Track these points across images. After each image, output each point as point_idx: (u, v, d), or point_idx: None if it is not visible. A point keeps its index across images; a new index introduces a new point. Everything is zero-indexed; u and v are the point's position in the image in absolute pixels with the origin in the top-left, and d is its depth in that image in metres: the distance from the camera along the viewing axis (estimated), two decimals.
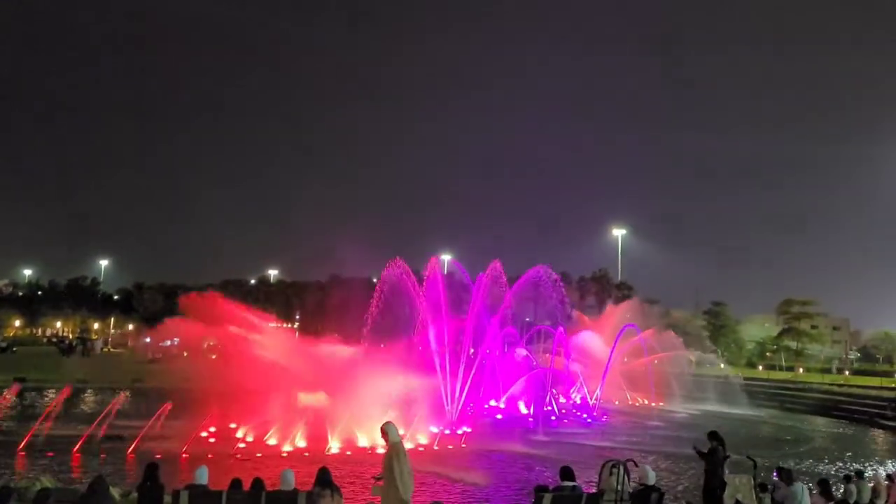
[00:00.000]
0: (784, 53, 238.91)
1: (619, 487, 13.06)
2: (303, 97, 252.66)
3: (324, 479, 13.30)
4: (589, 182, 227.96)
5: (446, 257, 74.99)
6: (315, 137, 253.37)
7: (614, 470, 13.41)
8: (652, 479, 13.97)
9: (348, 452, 27.96)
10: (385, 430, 12.93)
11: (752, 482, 14.71)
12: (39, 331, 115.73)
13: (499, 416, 41.40)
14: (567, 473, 13.45)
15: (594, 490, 13.73)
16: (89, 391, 41.33)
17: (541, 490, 13.38)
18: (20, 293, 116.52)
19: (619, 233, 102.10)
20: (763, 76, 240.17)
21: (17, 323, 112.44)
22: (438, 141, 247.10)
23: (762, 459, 21.26)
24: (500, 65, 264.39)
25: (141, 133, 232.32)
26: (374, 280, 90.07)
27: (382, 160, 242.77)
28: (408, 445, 29.33)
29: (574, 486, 13.46)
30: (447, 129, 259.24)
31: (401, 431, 14.19)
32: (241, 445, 27.32)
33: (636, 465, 14.23)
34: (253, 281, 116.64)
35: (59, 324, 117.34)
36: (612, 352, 50.02)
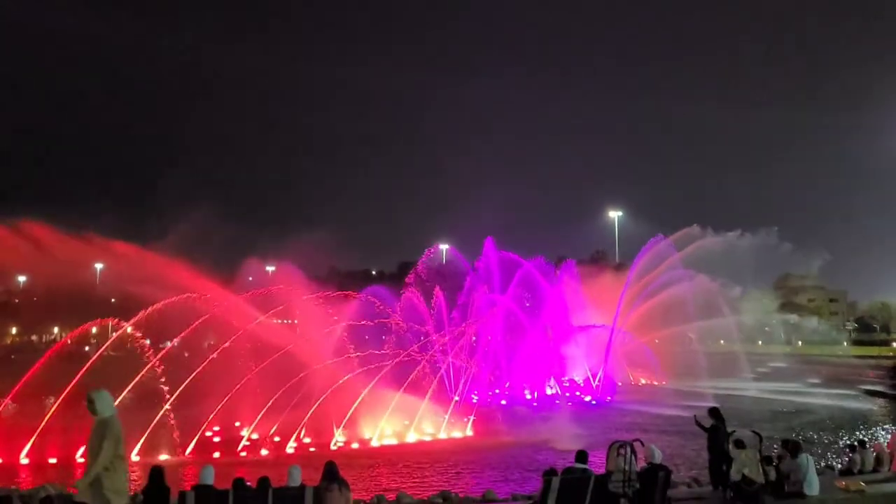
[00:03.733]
0: (775, 26, 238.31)
1: (627, 467, 13.01)
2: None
3: (331, 474, 13.22)
4: (584, 164, 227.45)
5: (444, 246, 74.85)
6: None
7: (621, 451, 13.35)
8: (658, 457, 13.93)
9: (354, 445, 27.96)
10: (92, 400, 9.91)
11: (758, 456, 14.69)
12: (35, 338, 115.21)
13: (503, 402, 41.47)
14: (581, 456, 13.41)
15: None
16: None
17: (549, 474, 13.33)
18: (16, 300, 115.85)
19: (615, 214, 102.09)
20: (751, 48, 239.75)
21: (14, 330, 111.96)
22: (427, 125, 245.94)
23: (767, 432, 21.25)
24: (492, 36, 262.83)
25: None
26: (373, 272, 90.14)
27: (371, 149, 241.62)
28: (415, 435, 29.51)
29: (584, 469, 13.42)
30: (435, 112, 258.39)
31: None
32: (246, 443, 27.28)
33: (643, 444, 14.19)
34: None
35: (56, 329, 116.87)
36: (612, 328, 49.73)
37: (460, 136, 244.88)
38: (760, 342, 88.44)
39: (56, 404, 27.88)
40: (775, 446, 16.61)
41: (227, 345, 31.46)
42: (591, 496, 12.87)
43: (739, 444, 14.83)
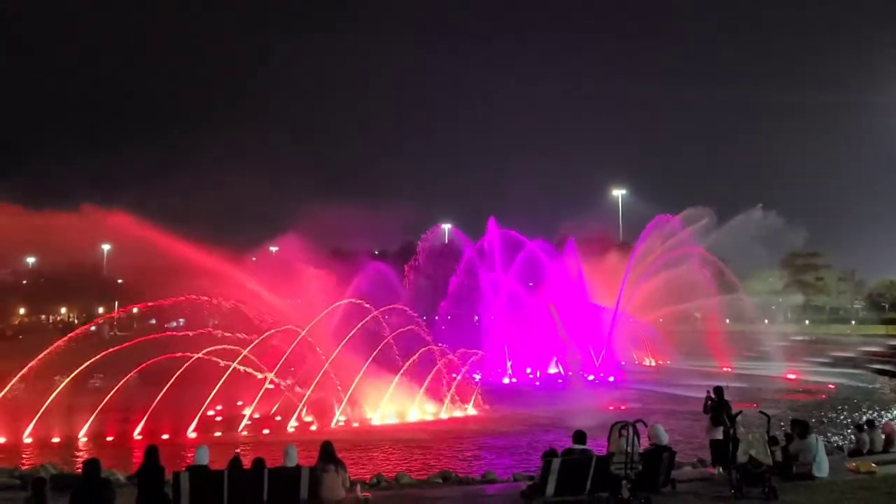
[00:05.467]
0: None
1: (629, 449, 12.79)
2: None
3: (327, 454, 13.05)
4: (587, 142, 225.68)
5: (446, 226, 74.61)
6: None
7: (623, 431, 13.13)
8: (664, 438, 13.69)
9: (355, 424, 27.90)
10: None
11: (765, 437, 14.44)
12: (44, 317, 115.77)
13: (506, 381, 41.37)
14: (580, 437, 13.17)
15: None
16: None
17: (549, 455, 13.12)
18: (23, 281, 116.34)
19: (618, 192, 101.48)
20: (760, 22, 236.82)
21: (22, 311, 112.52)
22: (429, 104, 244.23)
23: (776, 412, 21.03)
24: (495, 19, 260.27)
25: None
26: (376, 252, 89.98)
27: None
28: (417, 415, 29.44)
29: (584, 450, 13.19)
30: (435, 90, 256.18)
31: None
32: (248, 423, 27.24)
33: (645, 425, 13.95)
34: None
35: (63, 310, 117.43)
36: (616, 307, 49.46)
37: (461, 114, 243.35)
38: (766, 321, 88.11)
39: (63, 384, 27.91)
40: (782, 424, 16.34)
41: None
42: (593, 477, 12.66)
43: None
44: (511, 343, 44.39)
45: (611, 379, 44.06)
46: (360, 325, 32.56)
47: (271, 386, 29.86)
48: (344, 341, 30.75)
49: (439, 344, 34.94)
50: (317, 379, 29.23)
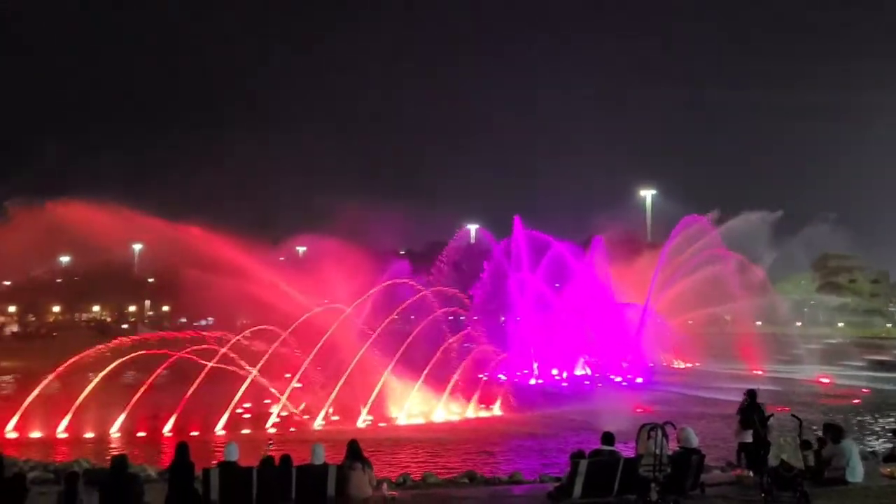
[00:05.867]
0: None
1: (658, 451, 12.66)
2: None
3: (354, 453, 13.13)
4: (616, 143, 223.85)
5: (472, 226, 74.63)
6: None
7: (652, 433, 13.00)
8: (694, 441, 13.53)
9: (381, 424, 27.99)
10: None
11: (798, 441, 14.21)
12: (77, 315, 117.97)
13: (532, 382, 41.21)
14: (608, 438, 13.08)
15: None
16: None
17: (577, 456, 13.05)
18: (58, 280, 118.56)
19: (647, 193, 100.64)
20: (796, 22, 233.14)
21: (56, 309, 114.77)
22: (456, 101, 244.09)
23: (809, 416, 20.67)
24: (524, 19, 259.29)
25: None
26: (401, 251, 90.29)
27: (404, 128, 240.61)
28: (443, 415, 29.45)
29: (612, 451, 13.10)
30: (468, 90, 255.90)
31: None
32: (276, 420, 27.47)
33: (675, 427, 13.79)
34: None
35: (96, 308, 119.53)
36: (644, 308, 48.98)
37: (489, 115, 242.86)
38: (799, 324, 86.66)
39: (94, 381, 28.43)
40: (814, 428, 16.06)
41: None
42: (621, 479, 12.57)
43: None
44: (537, 344, 44.18)
45: (639, 381, 43.60)
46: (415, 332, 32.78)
47: (299, 384, 30.09)
48: (405, 345, 30.90)
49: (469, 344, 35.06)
50: (343, 378, 29.39)
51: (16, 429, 25.89)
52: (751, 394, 15.89)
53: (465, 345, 36.21)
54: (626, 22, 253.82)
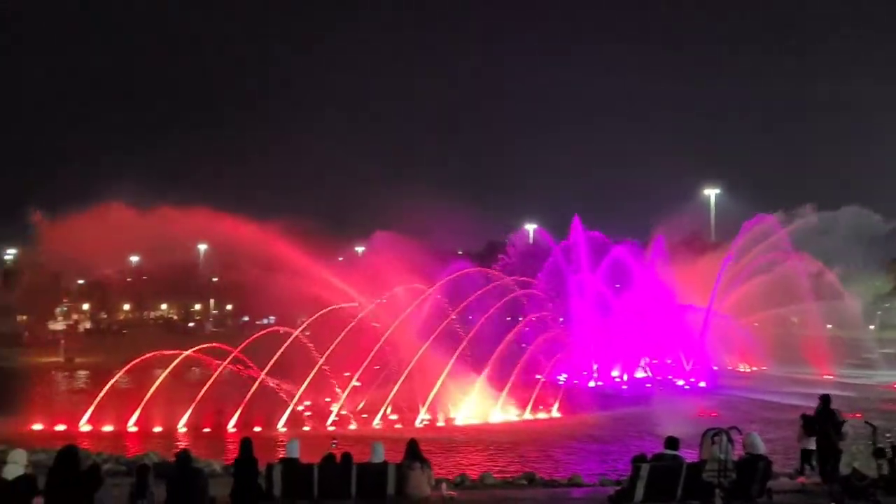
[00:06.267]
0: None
1: (723, 457, 12.37)
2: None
3: (413, 452, 13.22)
4: (679, 141, 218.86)
5: (531, 226, 74.17)
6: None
7: (716, 438, 12.72)
8: (760, 447, 13.16)
9: (439, 423, 28.10)
10: None
11: (871, 448, 13.68)
12: (145, 314, 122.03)
13: (592, 384, 40.72)
14: (672, 443, 12.84)
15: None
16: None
17: (639, 460, 12.85)
18: (128, 279, 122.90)
19: (711, 192, 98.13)
20: (864, 19, 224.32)
21: (126, 307, 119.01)
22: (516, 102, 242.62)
23: (883, 423, 19.78)
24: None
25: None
26: (460, 251, 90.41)
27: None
28: (501, 416, 29.40)
29: (675, 456, 12.87)
30: (525, 88, 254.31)
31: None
32: (335, 418, 27.88)
33: (740, 432, 13.45)
34: None
35: (163, 306, 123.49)
36: (708, 309, 47.72)
37: (546, 113, 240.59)
38: (872, 327, 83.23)
39: (161, 377, 29.42)
40: (888, 435, 15.38)
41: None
42: (684, 485, 12.32)
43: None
44: (597, 345, 43.62)
45: (702, 384, 42.56)
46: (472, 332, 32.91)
47: (358, 383, 30.48)
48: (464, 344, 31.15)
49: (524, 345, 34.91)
50: (402, 377, 29.64)
51: (89, 422, 26.99)
52: (825, 399, 15.38)
53: (522, 345, 36.08)
54: (687, 17, 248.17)
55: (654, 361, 45.99)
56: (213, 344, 30.85)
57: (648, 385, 40.77)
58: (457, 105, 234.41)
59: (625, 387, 41.16)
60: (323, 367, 29.69)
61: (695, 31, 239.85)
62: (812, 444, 14.83)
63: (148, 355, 30.11)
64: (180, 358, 29.62)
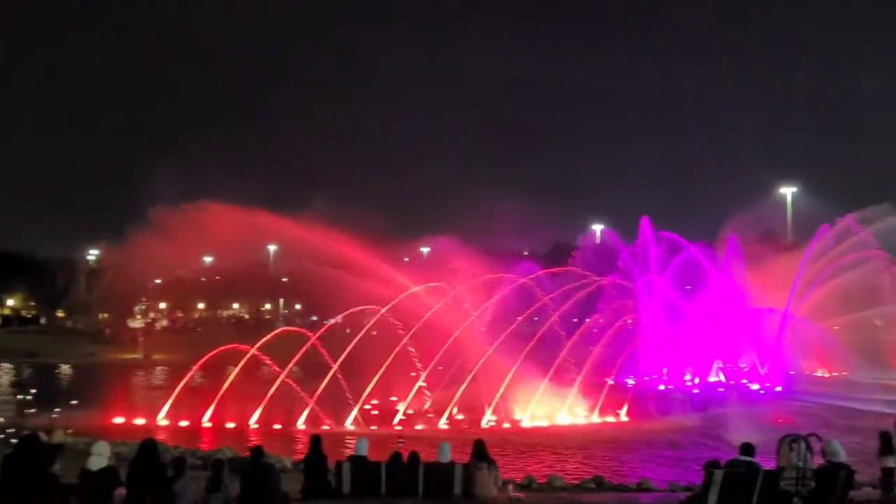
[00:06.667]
0: None
1: (802, 464, 11.90)
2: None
3: (480, 452, 13.22)
4: (754, 137, 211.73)
5: (598, 226, 73.15)
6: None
7: (794, 445, 12.24)
8: (841, 455, 12.60)
9: (505, 425, 28.00)
10: None
11: None
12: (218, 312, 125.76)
13: (661, 388, 39.86)
14: (747, 449, 12.43)
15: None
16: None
17: (712, 465, 12.51)
18: (202, 279, 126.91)
19: (787, 191, 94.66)
20: None
21: (201, 306, 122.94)
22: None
23: None
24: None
25: None
26: (525, 252, 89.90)
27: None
28: (567, 419, 29.11)
29: (750, 463, 12.46)
30: (593, 86, 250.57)
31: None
32: (402, 417, 28.11)
33: (820, 439, 12.91)
34: None
35: (235, 305, 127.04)
36: (785, 312, 46.04)
37: (615, 112, 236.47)
38: None
39: (233, 374, 30.28)
40: None
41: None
42: (760, 492, 11.93)
43: None
44: (667, 348, 42.63)
45: (778, 389, 41.09)
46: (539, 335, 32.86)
47: (424, 384, 30.66)
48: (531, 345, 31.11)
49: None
50: (469, 378, 29.66)
51: (166, 416, 28.02)
52: None
53: (589, 347, 35.62)
54: (765, 16, 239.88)
55: (728, 366, 44.64)
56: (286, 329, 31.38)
57: (721, 389, 39.61)
58: (520, 107, 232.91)
59: (696, 391, 40.10)
60: (394, 366, 30.00)
61: (774, 31, 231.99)
62: (891, 462, 14.13)
63: (221, 348, 30.95)
64: (302, 351, 30.40)
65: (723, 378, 42.91)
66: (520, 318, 34.57)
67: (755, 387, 41.55)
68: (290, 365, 30.44)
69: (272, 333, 33.21)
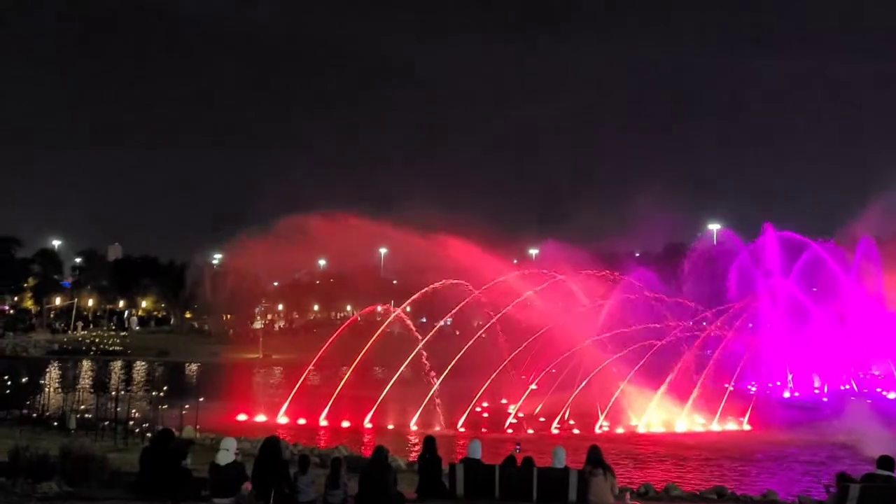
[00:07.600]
0: None
1: None
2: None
3: (595, 458, 12.93)
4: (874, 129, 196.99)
5: (714, 226, 70.13)
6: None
7: None
8: None
9: (619, 430, 27.37)
10: None
11: None
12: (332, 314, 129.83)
13: (786, 395, 37.78)
14: (886, 462, 11.52)
15: None
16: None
17: (846, 479, 11.70)
18: (317, 281, 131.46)
19: None
20: None
21: (316, 307, 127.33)
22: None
23: None
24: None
25: None
26: (637, 254, 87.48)
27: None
28: (686, 426, 28.10)
29: (889, 477, 11.54)
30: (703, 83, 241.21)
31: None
32: (513, 421, 28.01)
33: None
34: None
35: (348, 307, 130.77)
36: None
37: (728, 110, 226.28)
38: None
39: (346, 375, 31.18)
40: None
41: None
42: None
43: None
44: (792, 354, 40.28)
45: None
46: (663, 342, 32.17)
47: (535, 387, 30.45)
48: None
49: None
50: (583, 383, 29.22)
51: (285, 414, 29.17)
52: None
53: (707, 352, 34.23)
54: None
55: (861, 374, 41.74)
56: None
57: (853, 398, 37.05)
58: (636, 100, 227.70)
59: (825, 399, 37.69)
60: (505, 369, 30.00)
61: None
62: None
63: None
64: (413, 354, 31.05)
65: (854, 386, 40.16)
66: (638, 326, 33.56)
67: (892, 395, 38.64)
68: (402, 368, 30.99)
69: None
